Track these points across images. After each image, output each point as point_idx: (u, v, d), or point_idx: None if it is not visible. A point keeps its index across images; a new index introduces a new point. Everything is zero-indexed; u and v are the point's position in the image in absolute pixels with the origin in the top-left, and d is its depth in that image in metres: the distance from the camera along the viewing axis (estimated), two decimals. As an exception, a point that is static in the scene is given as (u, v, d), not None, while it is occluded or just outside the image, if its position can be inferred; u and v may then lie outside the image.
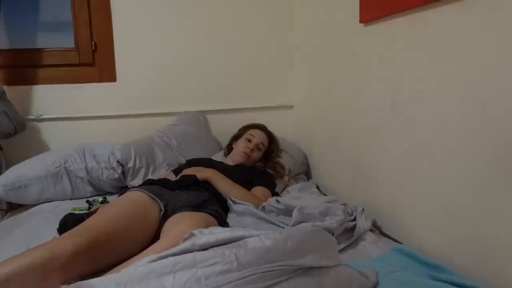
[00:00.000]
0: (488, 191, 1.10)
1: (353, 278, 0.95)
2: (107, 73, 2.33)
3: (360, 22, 1.68)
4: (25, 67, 2.23)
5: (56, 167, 1.93)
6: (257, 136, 2.09)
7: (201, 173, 1.77)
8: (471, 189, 1.16)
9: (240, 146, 2.06)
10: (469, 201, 1.17)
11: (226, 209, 1.67)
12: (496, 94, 1.05)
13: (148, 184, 1.67)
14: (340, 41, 1.92)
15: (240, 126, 2.25)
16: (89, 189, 1.99)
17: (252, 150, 2.03)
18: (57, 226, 1.39)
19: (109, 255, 1.21)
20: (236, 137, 2.19)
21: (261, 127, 2.17)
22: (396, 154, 1.51)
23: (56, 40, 2.33)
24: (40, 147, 2.21)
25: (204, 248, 0.95)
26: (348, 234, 1.44)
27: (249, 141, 2.07)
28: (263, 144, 2.09)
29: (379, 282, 1.02)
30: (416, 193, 1.41)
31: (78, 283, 0.89)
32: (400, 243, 1.43)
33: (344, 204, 1.59)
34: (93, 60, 2.30)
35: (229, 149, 2.18)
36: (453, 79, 1.21)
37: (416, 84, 1.38)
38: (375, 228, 1.56)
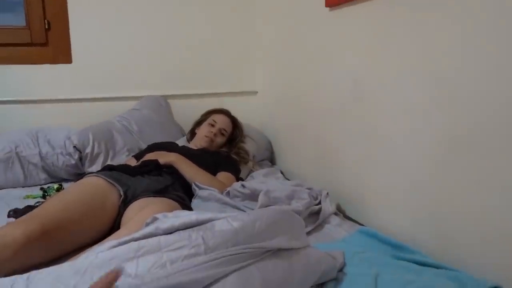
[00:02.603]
0: (443, 170, 1.14)
1: (322, 259, 0.95)
2: (62, 54, 2.20)
3: (326, 6, 1.67)
4: (-29, 45, 2.07)
5: (7, 153, 1.81)
6: (220, 121, 2.05)
7: (164, 157, 1.71)
8: (428, 169, 1.20)
9: (203, 131, 2.02)
10: (426, 180, 1.21)
11: (190, 194, 1.63)
12: (455, 79, 1.07)
13: (107, 169, 1.60)
14: (304, 25, 1.91)
15: (203, 112, 2.20)
16: (43, 176, 1.89)
17: (215, 134, 2.00)
18: (9, 210, 1.30)
19: (65, 242, 1.14)
20: (199, 123, 2.14)
21: (224, 112, 2.14)
22: (358, 137, 1.53)
23: (7, 20, 2.18)
24: (-12, 132, 2.07)
25: (169, 232, 0.91)
26: (313, 218, 1.44)
27: (212, 126, 2.03)
28: (225, 130, 2.05)
29: (346, 263, 1.03)
30: (378, 175, 1.43)
31: (32, 272, 0.83)
32: (364, 225, 1.45)
33: (310, 188, 1.59)
34: (47, 39, 2.17)
35: (192, 134, 2.13)
36: (413, 65, 1.22)
37: (378, 68, 1.39)
38: (340, 211, 1.57)
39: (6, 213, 1.32)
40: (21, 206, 1.39)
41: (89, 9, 2.20)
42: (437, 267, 1.04)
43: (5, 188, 1.81)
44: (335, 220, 1.45)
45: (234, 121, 2.13)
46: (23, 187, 1.84)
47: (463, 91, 1.06)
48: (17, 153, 1.83)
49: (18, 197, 1.67)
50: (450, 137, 1.11)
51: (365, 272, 0.99)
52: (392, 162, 1.35)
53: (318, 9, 1.71)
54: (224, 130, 2.05)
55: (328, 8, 1.67)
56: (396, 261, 1.08)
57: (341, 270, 1.01)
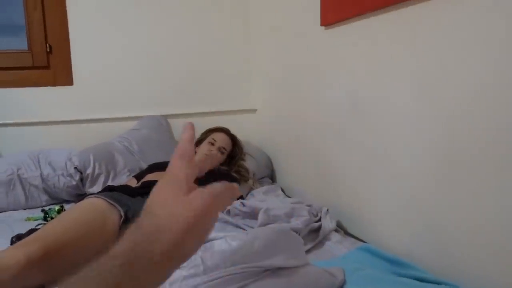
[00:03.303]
0: (442, 184, 1.14)
1: (321, 277, 0.95)
2: (63, 76, 2.23)
3: (321, 25, 1.70)
4: (-26, 69, 2.11)
5: (8, 175, 1.82)
6: (220, 140, 2.07)
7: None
8: (426, 183, 1.20)
9: (203, 149, 2.03)
10: (425, 194, 1.21)
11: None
12: (450, 94, 1.09)
13: (107, 190, 1.61)
14: (301, 44, 1.94)
15: (203, 131, 2.22)
16: (44, 197, 1.89)
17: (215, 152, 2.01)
18: (12, 237, 1.30)
19: (65, 264, 1.14)
20: (198, 141, 2.16)
21: (224, 130, 2.15)
22: (357, 153, 1.54)
23: (9, 44, 2.22)
24: (-10, 154, 2.09)
25: (168, 252, 0.92)
26: (313, 235, 1.44)
27: (212, 144, 2.04)
28: (225, 148, 2.07)
29: (346, 280, 1.02)
30: (377, 192, 1.44)
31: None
32: (365, 242, 1.45)
33: (309, 205, 1.59)
34: (48, 62, 2.20)
35: (192, 153, 2.14)
36: (409, 79, 1.24)
37: (375, 85, 1.41)
38: (340, 228, 1.57)
39: (9, 237, 1.33)
40: (22, 228, 1.40)
41: (89, 32, 2.24)
42: (437, 283, 1.04)
43: (6, 211, 1.81)
44: (335, 237, 1.45)
45: (233, 139, 2.15)
46: (24, 209, 1.85)
47: (460, 105, 1.07)
48: (18, 175, 1.84)
49: (19, 219, 1.67)
50: (448, 151, 1.12)
51: (365, 289, 0.99)
52: (390, 177, 1.36)
53: (314, 28, 1.74)
54: (224, 148, 2.06)
55: (323, 27, 1.71)
56: (396, 277, 1.08)
57: (341, 287, 1.01)
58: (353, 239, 1.47)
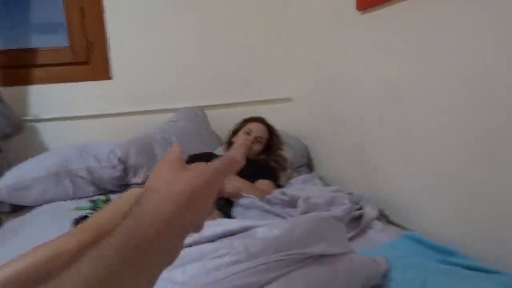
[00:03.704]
0: (489, 168, 1.10)
1: (365, 265, 0.94)
2: (102, 71, 2.30)
3: (357, 9, 1.66)
4: (20, 67, 2.20)
5: (57, 168, 1.90)
6: (256, 129, 2.07)
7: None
8: (472, 168, 1.16)
9: (240, 139, 2.04)
10: (471, 180, 1.17)
11: (230, 202, 1.65)
12: (490, 78, 1.04)
13: (149, 180, 1.65)
14: (336, 30, 1.90)
15: (239, 121, 2.23)
16: (90, 188, 1.97)
17: (252, 142, 2.01)
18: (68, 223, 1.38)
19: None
20: (235, 132, 2.17)
21: (260, 120, 2.15)
22: (398, 140, 1.50)
23: (50, 42, 2.31)
24: (40, 148, 2.19)
25: (212, 240, 0.93)
26: (355, 223, 1.42)
27: (248, 134, 2.05)
28: (261, 137, 2.07)
29: (391, 269, 1.01)
30: (420, 178, 1.40)
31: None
32: (408, 230, 1.41)
33: (350, 194, 1.57)
34: (88, 58, 2.27)
35: (229, 143, 2.16)
36: (450, 64, 1.20)
37: (414, 70, 1.36)
38: (382, 216, 1.55)
39: (61, 225, 1.40)
40: (73, 216, 1.48)
41: (126, 27, 2.29)
42: (488, 271, 1.00)
43: (56, 201, 1.90)
44: (377, 225, 1.42)
45: (269, 128, 2.15)
46: (72, 199, 1.93)
47: (501, 90, 1.02)
48: (65, 168, 1.92)
49: (69, 209, 1.75)
50: (493, 133, 1.07)
51: (411, 277, 0.96)
52: (434, 163, 1.31)
53: (350, 13, 1.70)
54: (260, 137, 2.06)
55: (360, 12, 1.66)
56: (443, 266, 1.05)
57: (385, 276, 0.99)
58: (396, 227, 1.44)
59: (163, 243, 0.39)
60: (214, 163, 0.48)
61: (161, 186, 0.44)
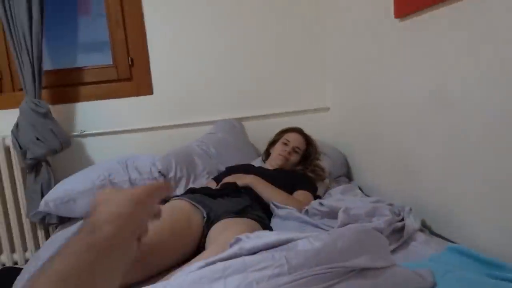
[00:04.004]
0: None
1: (409, 279, 0.91)
2: (144, 87, 2.38)
3: (395, 17, 1.64)
4: (68, 86, 2.33)
5: (102, 180, 1.98)
6: (293, 140, 2.07)
7: (242, 179, 1.76)
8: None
9: (277, 150, 2.05)
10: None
11: (269, 214, 1.66)
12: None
13: (190, 192, 1.69)
14: (375, 38, 1.88)
15: (277, 131, 2.24)
16: (133, 200, 2.03)
17: (289, 153, 2.02)
18: None
19: (156, 262, 1.22)
20: (272, 142, 2.18)
21: (297, 130, 2.15)
22: (442, 148, 1.45)
23: (96, 59, 2.43)
24: (85, 162, 2.29)
25: (252, 252, 0.94)
26: (397, 235, 1.38)
27: (286, 144, 2.06)
28: (299, 147, 2.07)
29: (437, 283, 0.97)
30: (467, 187, 1.34)
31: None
32: (453, 242, 1.36)
33: (391, 204, 1.54)
34: (131, 75, 2.37)
35: (267, 154, 2.17)
36: (500, 67, 1.15)
37: (458, 76, 1.32)
38: (425, 227, 1.50)
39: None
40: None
41: (166, 44, 2.37)
42: (541, 287, 0.95)
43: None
44: (420, 237, 1.38)
45: (307, 139, 2.14)
46: (116, 211, 1.99)
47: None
48: (110, 180, 1.99)
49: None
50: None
51: (459, 292, 0.93)
52: (482, 171, 1.26)
53: (388, 20, 1.68)
54: (298, 148, 2.06)
55: (398, 20, 1.64)
56: (493, 280, 1.00)
57: (431, 290, 0.96)
58: (440, 239, 1.40)
59: (119, 237, 0.47)
60: (145, 186, 0.59)
61: (109, 197, 0.55)
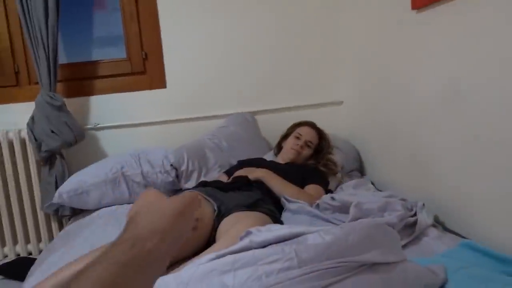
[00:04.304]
0: None
1: (421, 275, 0.90)
2: (158, 80, 2.39)
3: (412, 8, 1.61)
4: (82, 79, 2.35)
5: (114, 173, 2.00)
6: (305, 133, 2.06)
7: (253, 173, 1.76)
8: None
9: (289, 144, 2.04)
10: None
11: (280, 208, 1.66)
12: None
13: (201, 186, 1.69)
14: (390, 31, 1.85)
15: (289, 125, 2.23)
16: (145, 193, 2.05)
17: (301, 147, 2.01)
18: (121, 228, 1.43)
19: (165, 253, 1.23)
20: (285, 136, 2.17)
21: (309, 124, 2.14)
22: (457, 142, 1.43)
23: (110, 53, 2.45)
24: (98, 155, 2.32)
25: (263, 245, 0.94)
26: (409, 230, 1.37)
27: (298, 138, 2.04)
28: (311, 141, 2.05)
29: (449, 279, 0.96)
30: (481, 183, 1.32)
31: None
32: (466, 238, 1.34)
33: (403, 199, 1.52)
34: (144, 68, 2.38)
35: (279, 148, 2.16)
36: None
37: (476, 68, 1.30)
38: (438, 223, 1.48)
39: (118, 228, 1.46)
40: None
41: (179, 38, 2.37)
42: (557, 285, 0.93)
43: (113, 205, 1.99)
44: (433, 232, 1.37)
45: (319, 133, 2.13)
46: (128, 203, 2.02)
47: None
48: (123, 173, 2.01)
49: (124, 214, 1.83)
50: None
51: (472, 289, 0.92)
52: (497, 166, 1.24)
53: (405, 12, 1.66)
54: (310, 142, 2.05)
55: (415, 11, 1.61)
56: (507, 277, 0.98)
57: (442, 286, 0.95)
58: (453, 235, 1.38)
59: (158, 252, 0.47)
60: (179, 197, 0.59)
61: (150, 207, 0.54)
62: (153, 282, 0.47)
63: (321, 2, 2.45)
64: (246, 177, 1.73)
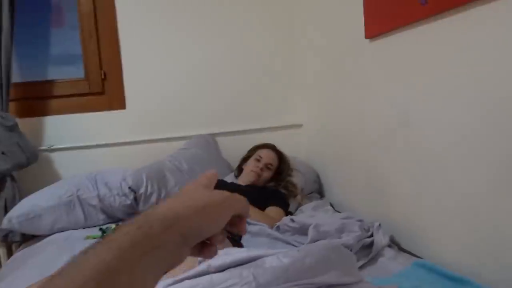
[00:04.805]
0: (504, 196, 1.08)
1: (376, 295, 0.92)
2: (117, 101, 2.35)
3: (366, 37, 1.69)
4: (37, 98, 2.27)
5: (69, 196, 1.93)
6: (266, 156, 2.08)
7: None
8: (486, 196, 1.14)
9: (250, 166, 2.05)
10: (485, 207, 1.15)
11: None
12: (505, 99, 1.04)
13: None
14: (346, 58, 1.93)
15: (250, 147, 2.25)
16: (101, 216, 1.98)
17: (261, 169, 2.02)
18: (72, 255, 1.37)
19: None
20: (245, 159, 2.18)
21: (270, 147, 2.17)
22: (409, 166, 1.49)
23: (69, 72, 2.38)
24: (52, 177, 2.22)
25: (221, 269, 0.93)
26: (366, 251, 1.41)
27: (258, 161, 2.06)
28: (271, 164, 2.07)
29: (403, 298, 0.99)
30: (433, 205, 1.38)
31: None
32: (420, 257, 1.39)
33: (360, 220, 1.56)
34: (103, 88, 2.34)
35: (239, 170, 2.17)
36: (461, 87, 1.20)
37: (424, 95, 1.37)
38: (394, 243, 1.52)
39: (71, 254, 1.40)
40: (83, 246, 1.47)
41: (140, 58, 2.36)
42: (502, 301, 0.98)
43: (67, 230, 1.91)
44: (389, 252, 1.41)
45: (279, 155, 2.16)
46: (83, 228, 1.94)
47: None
48: (78, 196, 1.94)
49: (80, 238, 1.76)
50: (508, 164, 1.06)
51: (424, 308, 0.95)
52: (447, 189, 1.30)
53: (359, 41, 1.73)
54: (270, 164, 2.07)
55: (368, 40, 1.69)
56: (457, 296, 1.03)
57: (397, 306, 0.98)
58: (407, 255, 1.42)
59: (166, 240, 0.41)
60: (234, 195, 0.52)
61: (181, 193, 0.49)
62: (162, 270, 0.41)
63: (281, 28, 2.52)
64: None
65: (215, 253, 0.51)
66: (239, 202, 0.52)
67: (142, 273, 0.38)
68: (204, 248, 0.50)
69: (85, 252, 0.38)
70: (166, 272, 0.43)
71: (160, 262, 0.41)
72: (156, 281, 0.41)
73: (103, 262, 0.36)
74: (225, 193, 0.50)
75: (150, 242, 0.40)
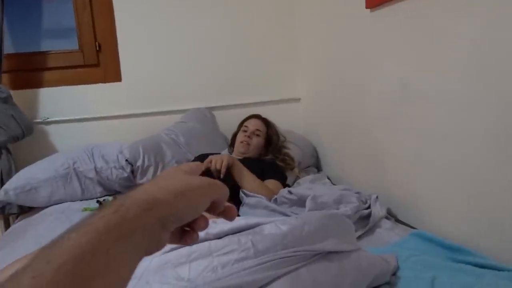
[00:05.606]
0: (501, 166, 1.08)
1: (374, 262, 0.93)
2: (112, 73, 2.32)
3: (366, 7, 1.65)
4: (31, 70, 2.23)
5: (65, 169, 1.92)
6: (251, 124, 2.05)
7: (219, 160, 1.69)
8: (484, 166, 1.14)
9: (239, 138, 2.03)
10: (482, 178, 1.15)
11: (237, 202, 1.65)
12: (505, 70, 1.02)
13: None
14: (345, 29, 1.89)
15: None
16: (98, 189, 1.98)
17: (249, 137, 1.99)
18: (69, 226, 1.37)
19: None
20: (235, 135, 2.16)
21: (255, 116, 2.13)
22: (408, 138, 1.48)
23: (62, 45, 2.34)
24: (48, 150, 2.21)
25: (219, 237, 0.93)
26: (363, 222, 1.41)
27: (245, 131, 2.03)
28: (259, 129, 2.04)
29: (400, 266, 1.00)
30: (430, 176, 1.38)
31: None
32: (417, 229, 1.40)
33: (358, 193, 1.56)
34: (98, 60, 2.30)
35: (232, 145, 2.15)
36: (462, 59, 1.18)
37: (425, 66, 1.35)
38: (391, 215, 1.53)
39: (67, 225, 1.40)
40: (80, 217, 1.47)
41: (135, 30, 2.31)
42: (498, 269, 0.98)
43: (64, 202, 1.91)
44: (386, 224, 1.41)
45: (265, 122, 2.12)
46: (80, 200, 1.94)
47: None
48: (74, 169, 1.93)
49: (77, 210, 1.76)
50: (506, 130, 1.05)
51: (421, 275, 0.95)
52: (445, 161, 1.30)
53: (359, 11, 1.69)
54: (257, 130, 2.03)
55: (369, 10, 1.66)
56: (453, 263, 1.03)
57: (394, 274, 0.98)
58: (404, 226, 1.43)
59: (144, 223, 0.40)
60: (214, 180, 0.51)
61: (160, 177, 0.48)
62: (139, 254, 0.41)
63: (278, 1, 2.46)
64: (218, 174, 1.65)
65: (196, 240, 0.50)
66: (219, 187, 0.51)
67: (118, 256, 0.37)
68: (185, 235, 0.49)
69: (61, 235, 0.37)
70: (145, 256, 0.42)
71: (138, 246, 0.40)
72: (134, 265, 0.40)
73: (79, 246, 0.35)
74: (205, 179, 0.49)
75: (127, 226, 0.39)
